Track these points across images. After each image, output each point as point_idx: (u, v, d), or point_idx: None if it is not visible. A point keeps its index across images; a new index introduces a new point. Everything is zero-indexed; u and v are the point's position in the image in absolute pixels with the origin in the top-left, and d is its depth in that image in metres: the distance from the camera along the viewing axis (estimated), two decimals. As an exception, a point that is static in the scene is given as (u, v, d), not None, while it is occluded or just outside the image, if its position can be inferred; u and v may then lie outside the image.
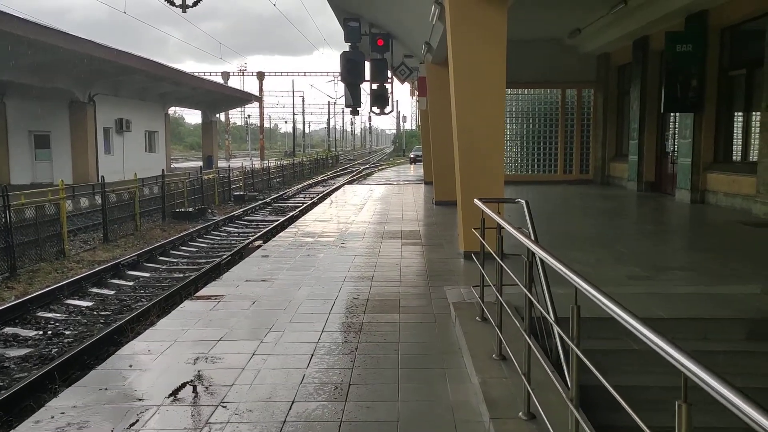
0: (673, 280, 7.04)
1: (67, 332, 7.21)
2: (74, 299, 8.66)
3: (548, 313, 4.47)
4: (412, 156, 49.26)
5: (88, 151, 27.60)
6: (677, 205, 15.03)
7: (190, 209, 18.53)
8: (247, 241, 13.40)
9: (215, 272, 10.26)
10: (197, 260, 12.09)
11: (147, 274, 10.60)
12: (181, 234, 14.50)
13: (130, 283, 9.87)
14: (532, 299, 3.94)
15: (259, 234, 14.37)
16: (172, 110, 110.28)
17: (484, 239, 5.60)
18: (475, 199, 5.72)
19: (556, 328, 3.87)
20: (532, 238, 4.67)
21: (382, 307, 6.22)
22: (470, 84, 8.69)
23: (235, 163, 45.02)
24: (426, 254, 9.29)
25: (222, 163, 45.43)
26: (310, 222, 13.28)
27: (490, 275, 5.34)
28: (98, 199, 15.66)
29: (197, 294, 6.76)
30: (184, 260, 12.07)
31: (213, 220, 17.27)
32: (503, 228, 5.02)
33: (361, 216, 14.07)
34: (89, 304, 8.49)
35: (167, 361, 4.68)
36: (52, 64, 22.79)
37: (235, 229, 16.35)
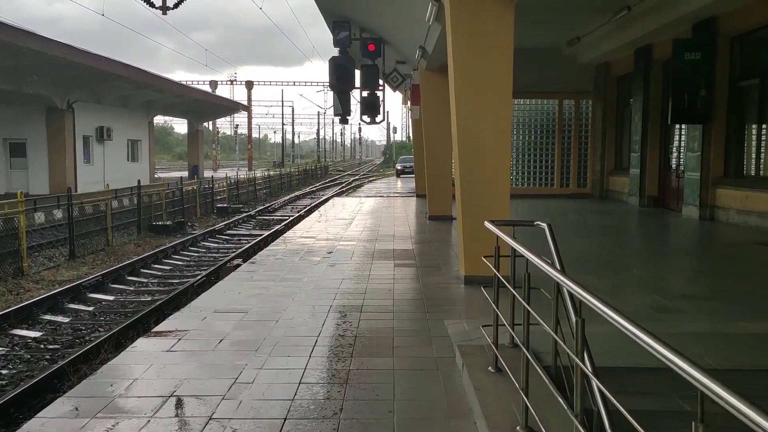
0: (706, 314, 6.11)
1: (3, 371, 6.16)
2: (21, 329, 7.60)
3: (585, 364, 3.48)
4: (399, 168, 43.19)
5: (66, 160, 26.47)
6: (685, 223, 14.17)
7: (168, 222, 17.46)
8: (226, 259, 12.37)
9: (186, 296, 9.23)
10: (169, 280, 11.05)
11: (110, 298, 9.54)
12: (156, 250, 13.45)
13: (90, 309, 8.81)
14: (565, 347, 3.02)
15: (239, 251, 13.35)
16: (160, 119, 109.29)
17: (498, 269, 4.64)
18: (487, 222, 4.78)
19: (597, 385, 2.90)
20: (558, 267, 3.74)
21: (373, 348, 5.24)
22: (473, 92, 7.78)
23: (222, 174, 43.96)
24: (421, 278, 8.32)
25: (209, 174, 44.37)
26: (296, 238, 12.29)
27: (501, 310, 4.39)
28: (61, 213, 14.61)
29: (155, 330, 5.75)
30: (155, 281, 11.02)
31: (192, 235, 16.22)
32: (519, 255, 4.12)
33: (350, 232, 13.09)
34: (38, 334, 7.43)
35: None
36: (27, 68, 21.72)
37: (215, 245, 15.31)
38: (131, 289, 10.23)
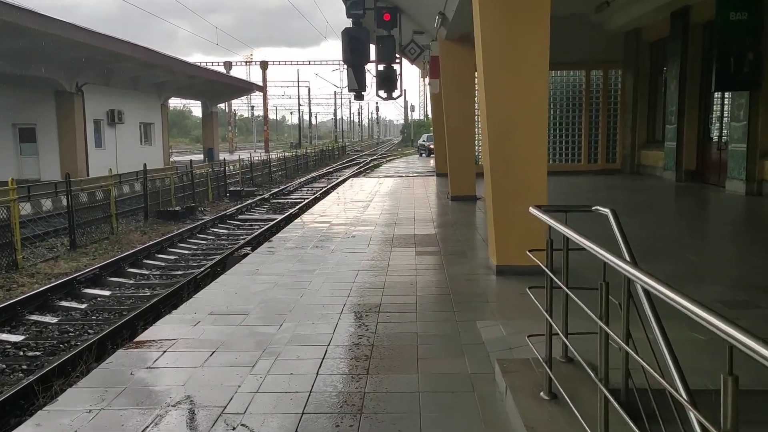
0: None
1: (-29, 386, 5.36)
2: (2, 332, 6.81)
3: (677, 387, 2.53)
4: (423, 144, 41.26)
5: (77, 145, 25.79)
6: (730, 198, 13.05)
7: (177, 208, 16.67)
8: (235, 247, 11.54)
9: (187, 290, 8.41)
10: (172, 272, 10.24)
11: (106, 293, 8.74)
12: (162, 238, 12.66)
13: (83, 306, 8.01)
14: (646, 366, 2.14)
15: (249, 237, 12.50)
16: (178, 103, 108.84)
17: (551, 267, 3.73)
18: (532, 208, 3.84)
19: (696, 417, 1.98)
20: (628, 260, 2.84)
21: (393, 362, 4.34)
22: (504, 60, 6.78)
23: (239, 156, 43.19)
24: (447, 267, 7.40)
25: (226, 156, 43.65)
26: (309, 223, 11.43)
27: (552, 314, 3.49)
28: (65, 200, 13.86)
29: (138, 339, 4.90)
30: (157, 272, 10.20)
31: (201, 220, 15.42)
32: (575, 248, 3.24)
33: (367, 215, 12.19)
34: (19, 339, 6.64)
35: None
36: (31, 50, 20.95)
37: (225, 231, 14.49)
38: (130, 282, 9.43)
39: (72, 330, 7.05)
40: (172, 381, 4.04)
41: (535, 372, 3.81)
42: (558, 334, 3.65)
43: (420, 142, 44.97)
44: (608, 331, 2.75)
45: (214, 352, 4.57)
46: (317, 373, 4.14)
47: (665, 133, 17.93)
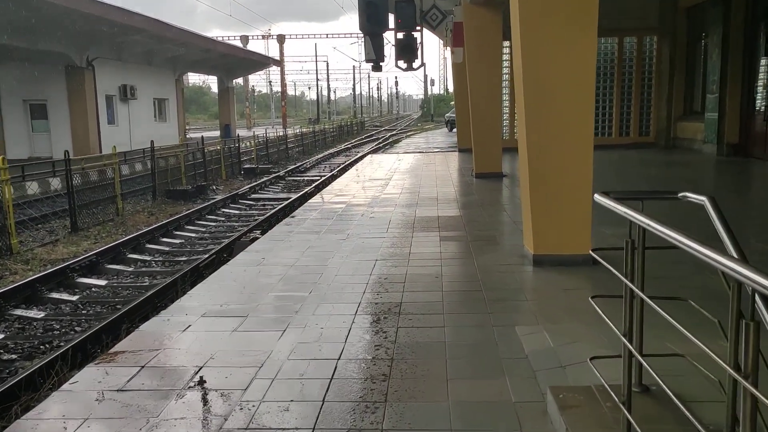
0: None
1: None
2: (-22, 331, 6.11)
3: None
4: (452, 117, 38.94)
5: (89, 122, 25.11)
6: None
7: (188, 187, 15.93)
8: (245, 230, 10.77)
9: (189, 278, 7.65)
10: (177, 257, 9.50)
11: (102, 282, 8.01)
12: (169, 219, 11.93)
13: (74, 298, 7.28)
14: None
15: (261, 219, 11.72)
16: (197, 79, 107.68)
17: (631, 274, 2.86)
18: (598, 196, 2.95)
19: None
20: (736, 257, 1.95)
21: (417, 384, 3.52)
22: (545, 17, 5.81)
23: (257, 132, 42.42)
24: (475, 256, 6.53)
25: (243, 132, 42.92)
26: (325, 203, 10.62)
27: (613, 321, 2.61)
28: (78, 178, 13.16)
29: (113, 350, 4.12)
30: (160, 258, 9.46)
31: (212, 200, 14.67)
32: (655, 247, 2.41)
33: (386, 194, 11.34)
34: (-6, 339, 5.93)
35: None
36: (39, 23, 20.19)
37: (236, 212, 13.73)
38: (130, 270, 8.69)
39: (58, 327, 6.33)
40: (146, 410, 3.25)
41: (602, 407, 2.96)
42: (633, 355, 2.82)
43: (448, 115, 43.23)
44: (712, 354, 1.90)
45: (199, 369, 3.77)
46: (323, 400, 3.34)
47: (705, 103, 16.77)
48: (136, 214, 13.29)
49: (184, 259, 9.30)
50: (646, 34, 19.57)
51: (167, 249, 10.01)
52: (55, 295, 7.31)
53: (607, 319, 2.85)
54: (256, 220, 12.01)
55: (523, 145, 6.12)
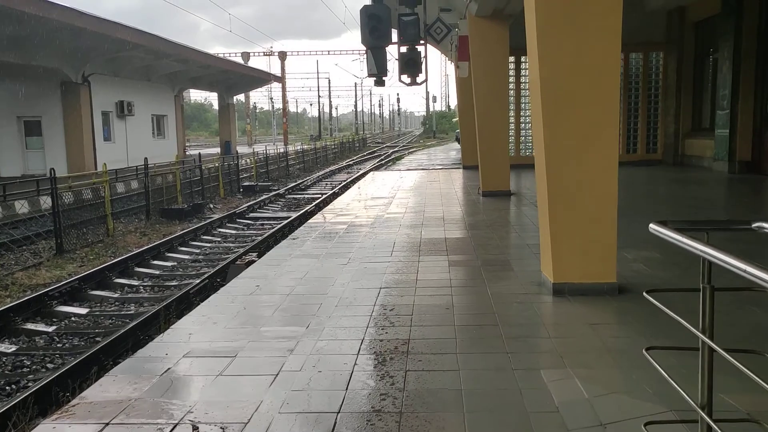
0: None
1: None
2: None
3: None
4: None
5: (84, 138, 24.64)
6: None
7: (184, 206, 15.40)
8: (241, 251, 10.23)
9: (179, 305, 7.09)
10: (166, 282, 8.93)
11: (83, 311, 7.44)
12: (161, 240, 11.38)
13: (50, 330, 6.72)
14: None
15: (258, 240, 11.17)
16: (199, 95, 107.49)
17: (710, 330, 2.30)
18: (655, 226, 2.39)
19: None
20: None
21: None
22: (565, 19, 5.31)
23: (257, 149, 42.05)
24: (489, 284, 5.98)
25: (244, 149, 42.50)
26: (325, 223, 10.09)
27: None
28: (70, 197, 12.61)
29: (75, 402, 3.55)
30: (149, 283, 8.89)
31: (209, 219, 14.14)
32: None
33: (390, 214, 10.81)
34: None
35: None
36: (34, 38, 19.79)
37: (233, 232, 13.18)
38: (115, 296, 8.12)
39: (28, 364, 5.76)
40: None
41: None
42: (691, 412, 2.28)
43: (458, 132, 42.65)
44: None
45: (174, 428, 3.21)
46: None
47: (715, 119, 16.30)
48: (128, 235, 12.74)
49: (174, 284, 8.74)
50: (652, 49, 19.18)
51: (157, 273, 9.44)
52: (30, 326, 6.74)
53: (673, 383, 2.29)
54: (254, 240, 11.47)
55: (541, 163, 5.59)
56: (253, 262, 8.23)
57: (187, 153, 37.32)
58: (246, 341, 4.51)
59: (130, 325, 6.20)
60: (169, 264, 10.04)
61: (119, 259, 9.62)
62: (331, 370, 3.93)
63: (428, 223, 9.79)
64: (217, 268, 9.00)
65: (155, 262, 10.05)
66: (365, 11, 12.29)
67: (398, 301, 5.50)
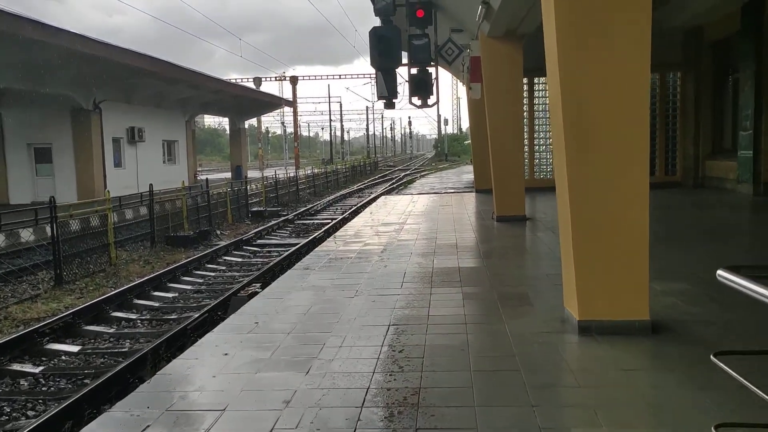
0: None
1: None
2: None
3: None
4: None
5: (94, 165, 24.50)
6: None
7: (190, 233, 15.04)
8: (246, 280, 9.81)
9: (176, 342, 6.65)
10: (166, 316, 8.50)
11: (75, 349, 7.01)
12: (165, 269, 10.98)
13: (37, 371, 6.28)
14: None
15: (265, 269, 10.74)
16: (212, 120, 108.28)
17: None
18: (722, 272, 1.90)
19: None
20: None
21: None
22: (589, 31, 4.90)
23: (269, 173, 41.88)
24: (507, 320, 5.50)
25: (256, 173, 42.33)
26: (333, 250, 9.68)
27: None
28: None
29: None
30: (147, 316, 8.46)
31: (215, 246, 13.75)
32: None
33: (401, 241, 10.37)
34: None
35: None
36: (44, 65, 19.72)
37: (238, 259, 12.77)
38: (110, 332, 7.70)
39: (8, 411, 5.32)
40: None
41: None
42: None
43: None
44: None
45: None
46: None
47: (738, 141, 15.78)
48: (131, 264, 12.37)
49: (174, 317, 8.31)
50: (669, 70, 18.73)
51: (157, 305, 9.02)
52: (16, 367, 6.32)
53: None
54: (260, 269, 11.04)
55: (563, 190, 5.13)
56: (256, 293, 7.80)
57: (198, 178, 37.19)
58: (238, 390, 4.06)
59: (117, 369, 5.73)
60: (170, 295, 9.62)
61: (118, 290, 9.22)
62: (331, 427, 3.46)
63: (440, 250, 9.32)
64: (218, 300, 8.57)
65: (156, 293, 9.64)
66: (374, 33, 11.98)
67: (408, 340, 5.04)
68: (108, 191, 12.99)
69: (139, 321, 8.20)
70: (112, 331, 7.73)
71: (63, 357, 6.82)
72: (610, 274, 4.98)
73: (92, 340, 7.42)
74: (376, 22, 12.38)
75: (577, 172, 4.96)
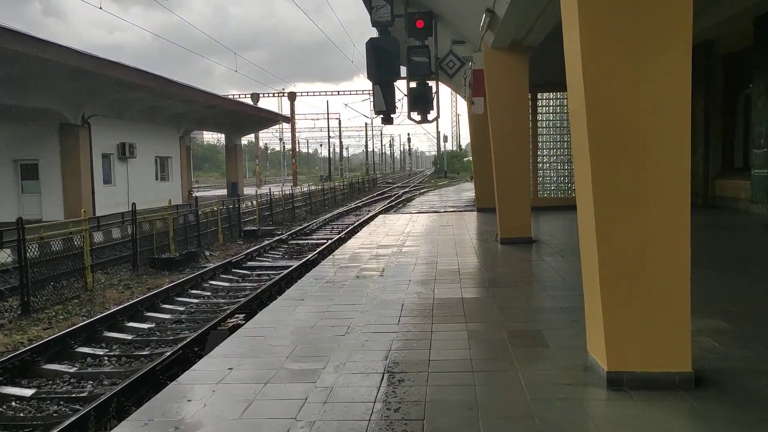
0: None
1: None
2: None
3: None
4: None
5: (82, 182, 23.73)
6: None
7: (176, 255, 14.24)
8: (230, 310, 9.01)
9: (139, 390, 5.84)
10: (137, 352, 7.67)
11: (28, 393, 6.19)
12: (146, 295, 10.19)
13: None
14: None
15: (251, 296, 9.94)
16: (211, 137, 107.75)
17: None
18: None
19: None
20: None
21: None
22: (621, 48, 4.16)
23: (264, 191, 41.12)
24: (520, 368, 4.71)
25: (252, 191, 41.59)
26: (326, 276, 8.91)
27: None
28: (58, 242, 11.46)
29: None
30: (117, 352, 7.63)
31: (203, 269, 12.96)
32: None
33: (398, 265, 9.60)
34: None
35: None
36: (29, 78, 19.03)
37: (225, 284, 11.96)
38: (71, 371, 6.87)
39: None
40: None
41: None
42: None
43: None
44: None
45: None
46: None
47: (751, 159, 15.08)
48: (110, 289, 11.55)
49: (146, 353, 7.49)
50: (678, 84, 18.06)
51: (129, 338, 8.20)
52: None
53: None
54: (247, 296, 10.25)
55: (587, 217, 4.37)
56: (238, 326, 7.01)
57: (193, 195, 36.41)
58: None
59: (68, 422, 4.92)
60: (146, 326, 8.79)
61: (89, 321, 8.40)
62: None
63: (441, 277, 8.55)
64: (198, 332, 7.76)
65: (130, 323, 8.81)
66: (371, 44, 11.29)
67: (406, 393, 4.25)
68: (84, 211, 12.18)
69: (106, 358, 7.37)
70: (73, 370, 6.89)
71: (13, 403, 6.00)
72: (645, 316, 4.21)
73: (50, 382, 6.60)
74: (375, 35, 11.72)
75: (604, 197, 4.20)
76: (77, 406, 5.68)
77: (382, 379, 4.56)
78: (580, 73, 4.17)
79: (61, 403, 5.95)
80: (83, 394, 6.08)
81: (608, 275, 4.23)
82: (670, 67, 4.10)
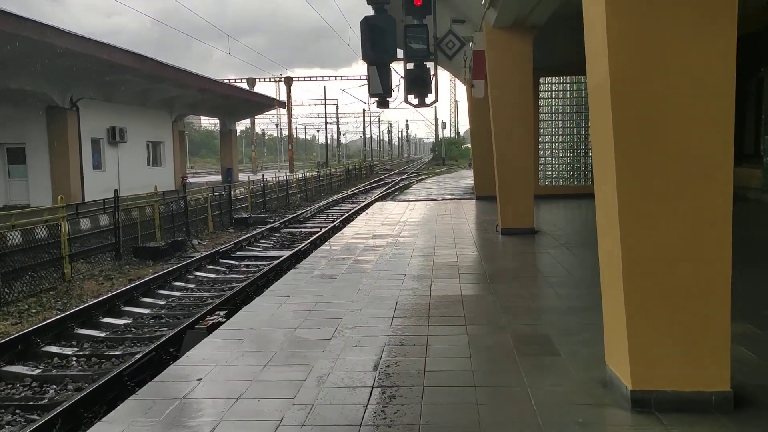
0: None
1: None
2: None
3: None
4: None
5: (70, 166, 23.05)
6: None
7: (161, 244, 13.62)
8: (212, 304, 8.42)
9: (103, 395, 5.26)
10: (109, 352, 7.08)
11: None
12: (126, 287, 9.61)
13: None
14: None
15: (236, 289, 9.34)
16: (207, 122, 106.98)
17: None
18: None
19: None
20: None
21: None
22: (654, 14, 3.53)
23: (259, 177, 40.43)
24: (528, 381, 4.13)
25: (249, 177, 40.90)
26: (317, 268, 8.35)
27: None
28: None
29: None
30: (86, 352, 7.02)
31: (189, 259, 12.36)
32: None
33: (393, 258, 9.02)
34: None
35: None
36: (13, 59, 18.30)
37: (211, 275, 11.37)
38: (34, 374, 6.28)
39: None
40: None
41: None
42: None
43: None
44: None
45: None
46: None
47: (763, 146, 14.48)
48: (89, 280, 10.96)
49: (118, 353, 6.90)
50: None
51: (102, 335, 7.61)
52: None
53: None
54: (232, 288, 9.66)
55: (609, 212, 3.76)
56: (218, 324, 6.43)
57: (186, 181, 35.74)
58: None
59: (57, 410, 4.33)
60: (121, 322, 8.20)
61: (60, 316, 7.81)
62: None
63: (439, 272, 7.96)
64: (176, 330, 7.17)
65: (105, 319, 8.22)
66: (366, 22, 10.60)
67: (398, 414, 3.67)
68: (61, 197, 11.54)
69: (74, 358, 6.78)
70: (36, 372, 6.31)
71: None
72: (678, 326, 3.62)
73: (9, 385, 6.01)
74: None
75: (631, 190, 3.60)
76: (35, 416, 5.10)
77: (371, 395, 3.98)
78: (604, 40, 3.55)
79: (17, 411, 5.35)
80: (43, 401, 5.49)
81: (634, 278, 3.64)
82: (712, 41, 3.47)
